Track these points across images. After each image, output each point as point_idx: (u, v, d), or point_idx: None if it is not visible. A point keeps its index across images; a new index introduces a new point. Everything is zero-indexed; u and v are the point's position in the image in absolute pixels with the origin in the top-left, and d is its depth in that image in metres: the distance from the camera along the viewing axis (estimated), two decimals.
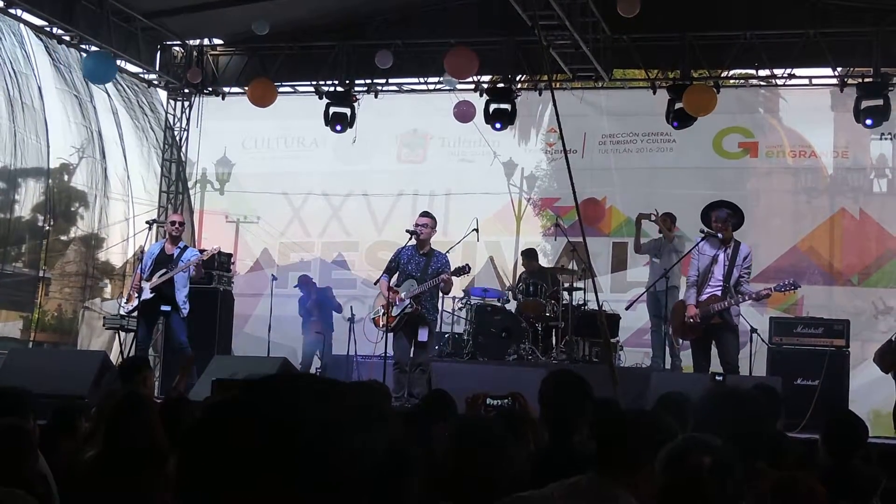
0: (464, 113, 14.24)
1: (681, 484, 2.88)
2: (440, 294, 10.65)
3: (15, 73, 13.02)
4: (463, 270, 10.46)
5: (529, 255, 13.34)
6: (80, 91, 14.00)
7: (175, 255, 11.19)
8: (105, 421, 4.57)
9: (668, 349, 11.75)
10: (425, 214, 10.61)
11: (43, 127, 13.39)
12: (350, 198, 15.42)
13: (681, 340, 11.13)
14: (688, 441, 3.05)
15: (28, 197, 13.89)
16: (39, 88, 13.32)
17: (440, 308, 11.11)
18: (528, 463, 3.83)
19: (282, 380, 1.39)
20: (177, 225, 11.47)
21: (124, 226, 14.88)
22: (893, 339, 11.31)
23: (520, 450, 3.63)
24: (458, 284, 12.05)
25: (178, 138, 15.90)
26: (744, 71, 14.71)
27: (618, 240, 14.33)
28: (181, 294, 11.15)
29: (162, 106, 15.88)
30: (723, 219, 9.87)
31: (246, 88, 14.80)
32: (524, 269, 13.16)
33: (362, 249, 15.29)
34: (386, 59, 13.96)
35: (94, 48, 13.59)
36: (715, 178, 13.84)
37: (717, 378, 7.45)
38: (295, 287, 14.59)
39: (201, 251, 11.69)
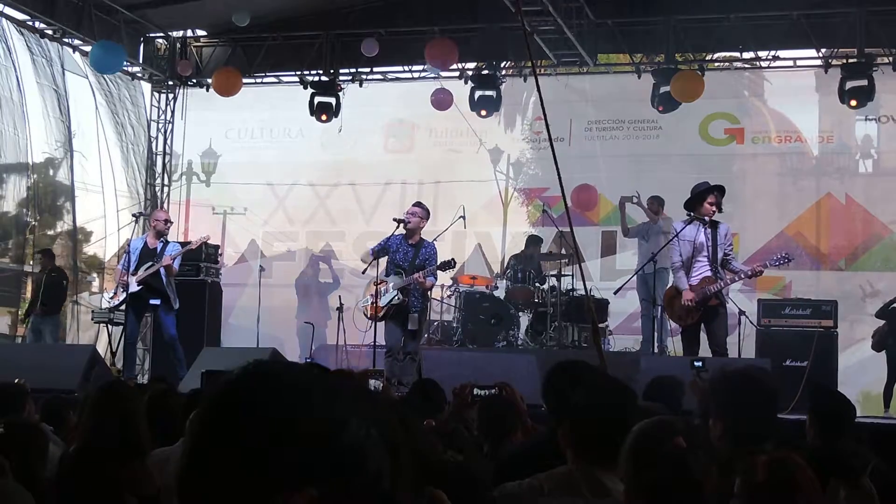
0: (441, 101, 14.31)
1: (667, 472, 2.84)
2: None
3: None
4: (448, 265, 10.38)
5: (535, 241, 13.23)
6: (58, 85, 13.91)
7: (158, 250, 11.13)
8: (86, 413, 4.48)
9: (656, 334, 11.71)
10: (417, 205, 10.54)
11: (22, 121, 13.30)
12: (337, 188, 15.39)
13: (671, 325, 11.09)
14: (655, 427, 3.00)
15: (11, 192, 13.82)
16: (19, 81, 13.23)
17: (430, 296, 11.06)
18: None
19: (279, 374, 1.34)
20: (162, 222, 11.38)
21: (109, 219, 14.81)
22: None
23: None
24: (447, 273, 12.04)
25: (161, 130, 15.84)
26: (728, 54, 14.70)
27: (607, 228, 14.30)
28: (170, 288, 11.09)
29: (144, 98, 15.79)
30: (718, 201, 9.86)
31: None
32: (521, 253, 13.03)
33: (349, 239, 15.23)
34: (372, 48, 13.92)
35: (76, 41, 13.52)
36: (701, 164, 13.79)
37: (696, 365, 7.33)
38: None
39: (186, 243, 11.68)
